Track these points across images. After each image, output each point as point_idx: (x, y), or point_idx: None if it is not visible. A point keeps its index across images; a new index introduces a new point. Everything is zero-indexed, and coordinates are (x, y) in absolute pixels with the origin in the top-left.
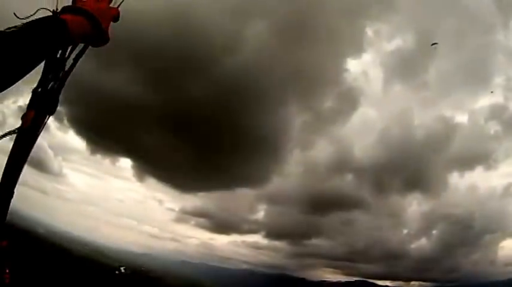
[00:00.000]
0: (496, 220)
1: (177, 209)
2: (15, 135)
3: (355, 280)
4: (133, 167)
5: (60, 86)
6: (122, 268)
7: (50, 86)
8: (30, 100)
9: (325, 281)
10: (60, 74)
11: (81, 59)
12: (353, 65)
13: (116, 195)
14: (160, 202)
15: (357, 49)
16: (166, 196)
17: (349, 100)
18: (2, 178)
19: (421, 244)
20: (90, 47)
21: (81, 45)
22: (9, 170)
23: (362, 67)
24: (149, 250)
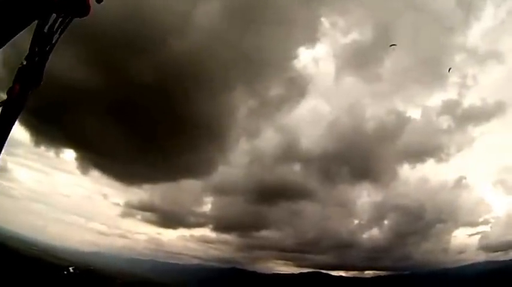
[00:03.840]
0: (448, 211)
1: (122, 203)
2: (1, 107)
3: (308, 272)
4: (77, 158)
5: (45, 59)
6: (70, 268)
7: (35, 60)
8: (16, 75)
9: (278, 273)
10: (47, 48)
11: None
12: (305, 54)
13: (62, 190)
14: (105, 196)
15: (311, 38)
16: (111, 189)
17: (297, 88)
18: None
19: (373, 234)
20: (74, 19)
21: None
22: None
23: (314, 56)
24: (98, 248)
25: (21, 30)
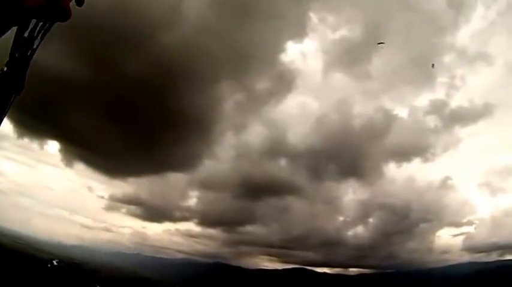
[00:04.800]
0: (433, 211)
1: (106, 196)
2: None
3: (293, 268)
4: (61, 150)
5: (26, 65)
6: (54, 261)
7: (16, 66)
8: None
9: (262, 269)
10: (28, 53)
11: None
12: (293, 48)
13: (46, 183)
14: (90, 189)
15: (299, 33)
16: (96, 182)
17: (285, 82)
18: None
19: (358, 232)
20: (57, 23)
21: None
22: None
23: (302, 51)
24: (82, 242)
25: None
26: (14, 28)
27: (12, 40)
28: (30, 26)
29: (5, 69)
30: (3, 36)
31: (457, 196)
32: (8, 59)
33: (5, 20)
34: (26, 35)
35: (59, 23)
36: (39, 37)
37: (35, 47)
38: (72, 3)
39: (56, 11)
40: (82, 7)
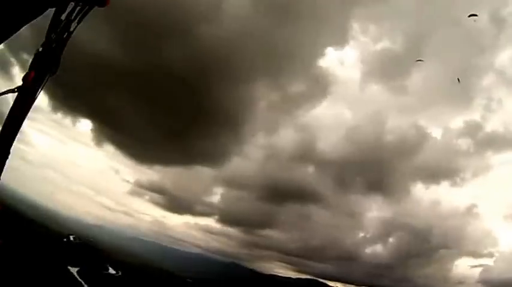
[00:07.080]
0: (454, 238)
1: (132, 181)
2: (16, 94)
3: (306, 278)
4: (93, 130)
5: (62, 46)
6: (71, 236)
7: (52, 47)
8: (32, 61)
9: (275, 275)
10: (65, 35)
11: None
12: (332, 54)
13: (75, 160)
14: (116, 171)
15: (340, 40)
16: (123, 166)
17: (320, 88)
18: None
19: (376, 250)
20: (95, 8)
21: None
22: (7, 129)
23: (341, 58)
24: (102, 222)
25: (37, 17)
26: (52, 10)
27: (49, 21)
28: (68, 9)
29: (41, 49)
30: (40, 17)
31: (481, 225)
32: (44, 40)
33: (41, 2)
34: (63, 17)
35: (97, 7)
36: (76, 21)
37: (71, 29)
38: None
39: None
40: None
